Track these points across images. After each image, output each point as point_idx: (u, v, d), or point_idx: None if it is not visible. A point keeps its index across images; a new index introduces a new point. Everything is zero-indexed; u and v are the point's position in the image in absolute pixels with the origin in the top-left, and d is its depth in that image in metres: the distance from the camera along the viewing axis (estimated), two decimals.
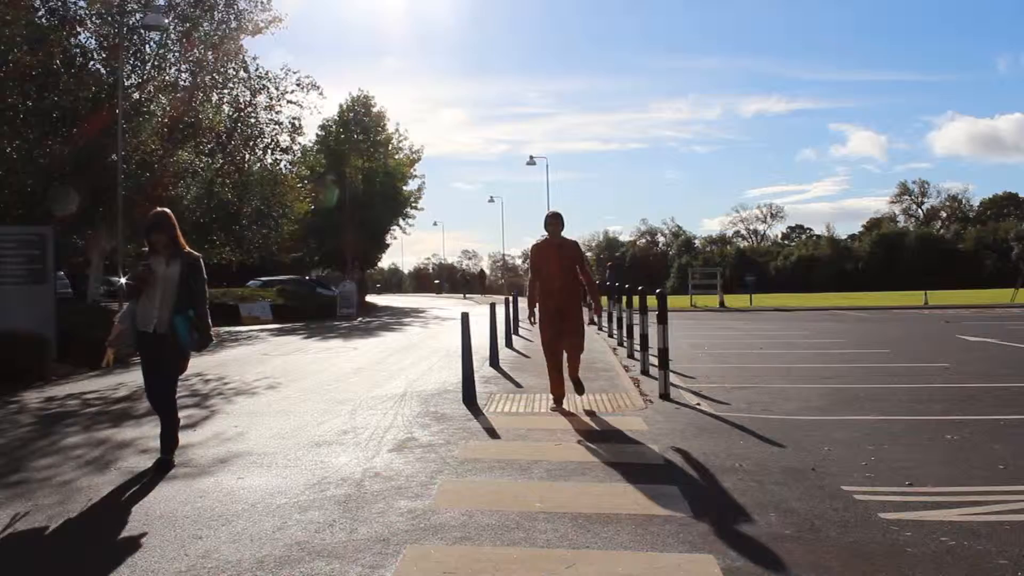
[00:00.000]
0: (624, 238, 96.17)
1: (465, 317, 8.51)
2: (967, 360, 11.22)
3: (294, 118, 21.79)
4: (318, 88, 21.48)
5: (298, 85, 21.09)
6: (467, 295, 53.35)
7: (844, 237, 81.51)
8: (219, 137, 20.42)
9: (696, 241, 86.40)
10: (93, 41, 18.24)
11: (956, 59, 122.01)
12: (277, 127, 21.50)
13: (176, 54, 19.32)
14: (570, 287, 7.35)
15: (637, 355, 11.17)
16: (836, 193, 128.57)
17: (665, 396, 7.98)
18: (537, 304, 7.49)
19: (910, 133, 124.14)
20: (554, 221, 7.51)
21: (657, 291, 8.79)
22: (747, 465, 5.17)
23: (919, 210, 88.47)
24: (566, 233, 7.68)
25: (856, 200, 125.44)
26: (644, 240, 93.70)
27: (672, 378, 8.84)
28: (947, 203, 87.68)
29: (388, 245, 46.13)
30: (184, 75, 19.60)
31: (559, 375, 7.55)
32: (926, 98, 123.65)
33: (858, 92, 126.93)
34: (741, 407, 7.48)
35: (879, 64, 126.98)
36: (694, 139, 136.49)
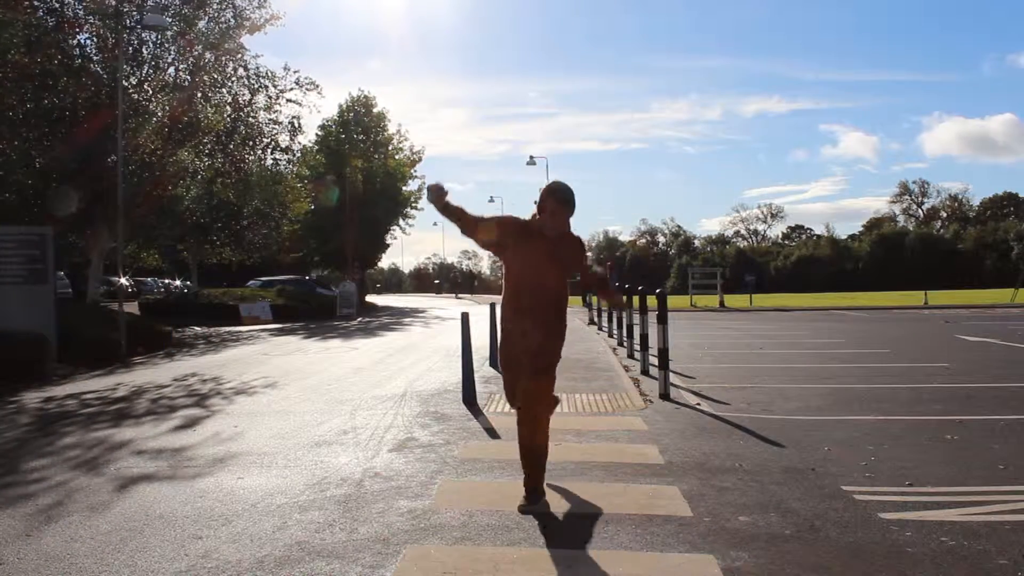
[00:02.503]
0: (624, 238, 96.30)
1: (465, 317, 8.51)
2: (967, 360, 11.22)
3: (293, 117, 21.80)
4: (317, 87, 21.45)
5: (297, 84, 21.08)
6: (459, 295, 55.19)
7: (844, 237, 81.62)
8: (219, 137, 20.41)
9: (696, 241, 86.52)
10: (91, 42, 18.25)
11: (941, 59, 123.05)
12: (276, 127, 21.49)
13: (173, 54, 19.32)
14: (557, 313, 4.46)
15: (637, 355, 11.17)
16: (834, 193, 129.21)
17: (665, 396, 7.97)
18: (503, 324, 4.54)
19: (900, 134, 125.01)
20: (560, 203, 4.30)
21: (657, 291, 8.78)
22: (747, 465, 5.17)
23: (919, 210, 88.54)
24: None
25: (854, 200, 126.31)
26: (644, 240, 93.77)
27: (672, 378, 8.83)
28: (947, 203, 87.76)
29: (388, 245, 46.19)
30: (183, 74, 19.60)
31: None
32: (912, 98, 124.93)
33: (845, 93, 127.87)
34: (741, 407, 7.48)
35: (863, 64, 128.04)
36: (694, 139, 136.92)
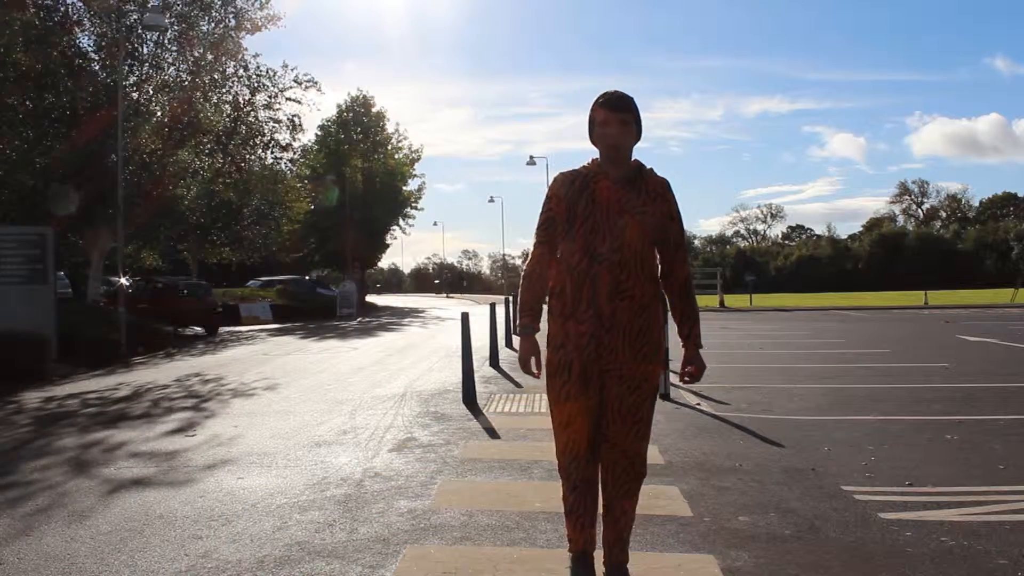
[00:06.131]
0: None
1: (465, 317, 8.51)
2: (967, 360, 11.22)
3: (293, 115, 21.77)
4: (316, 84, 21.41)
5: (296, 82, 21.05)
6: (449, 294, 58.00)
7: (844, 237, 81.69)
8: (219, 137, 20.40)
9: (696, 241, 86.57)
10: (91, 42, 18.25)
11: (919, 60, 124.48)
12: (276, 125, 21.46)
13: (174, 53, 19.31)
14: (644, 299, 2.95)
15: None
16: (831, 193, 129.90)
17: (665, 396, 7.97)
18: (552, 334, 3.05)
19: (885, 134, 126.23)
20: (610, 108, 2.94)
21: None
22: (747, 465, 5.17)
23: (919, 210, 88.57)
24: None
25: (850, 200, 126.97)
26: None
27: (672, 378, 8.83)
28: (947, 203, 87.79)
29: (388, 245, 46.22)
30: (183, 74, 19.59)
31: (590, 502, 3.10)
32: (892, 99, 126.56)
33: (828, 93, 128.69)
34: (741, 407, 7.48)
35: (841, 64, 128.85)
36: (695, 139, 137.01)
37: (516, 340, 15.26)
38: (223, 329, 21.85)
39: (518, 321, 3.06)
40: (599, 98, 3.00)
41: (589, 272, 2.90)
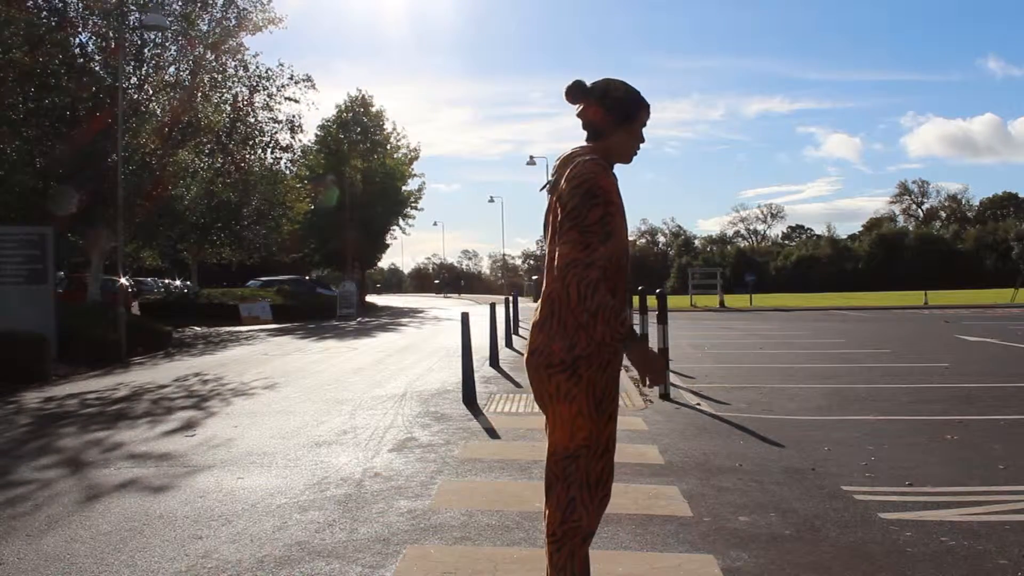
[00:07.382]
0: None
1: (465, 317, 8.51)
2: (967, 360, 11.22)
3: (294, 115, 21.79)
4: (311, 81, 21.42)
5: (291, 79, 21.06)
6: (446, 294, 59.67)
7: (844, 237, 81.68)
8: (219, 136, 20.40)
9: (696, 241, 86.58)
10: (93, 42, 18.24)
11: (909, 60, 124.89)
12: (276, 125, 21.48)
13: (174, 53, 19.32)
14: None
15: None
16: (830, 193, 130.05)
17: (665, 396, 7.97)
18: (594, 351, 2.57)
19: (879, 135, 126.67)
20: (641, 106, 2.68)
21: (657, 291, 8.78)
22: (747, 465, 5.17)
23: (919, 210, 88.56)
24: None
25: (850, 200, 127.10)
26: (644, 240, 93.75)
27: (672, 378, 8.84)
28: (947, 203, 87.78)
29: (388, 245, 46.23)
30: (183, 74, 19.59)
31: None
32: (884, 99, 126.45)
33: (828, 93, 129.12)
34: (741, 407, 7.48)
35: (843, 64, 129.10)
36: (695, 139, 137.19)
37: (516, 341, 15.29)
38: (223, 329, 21.89)
39: (622, 330, 2.43)
40: (635, 94, 2.65)
41: (624, 274, 2.60)
